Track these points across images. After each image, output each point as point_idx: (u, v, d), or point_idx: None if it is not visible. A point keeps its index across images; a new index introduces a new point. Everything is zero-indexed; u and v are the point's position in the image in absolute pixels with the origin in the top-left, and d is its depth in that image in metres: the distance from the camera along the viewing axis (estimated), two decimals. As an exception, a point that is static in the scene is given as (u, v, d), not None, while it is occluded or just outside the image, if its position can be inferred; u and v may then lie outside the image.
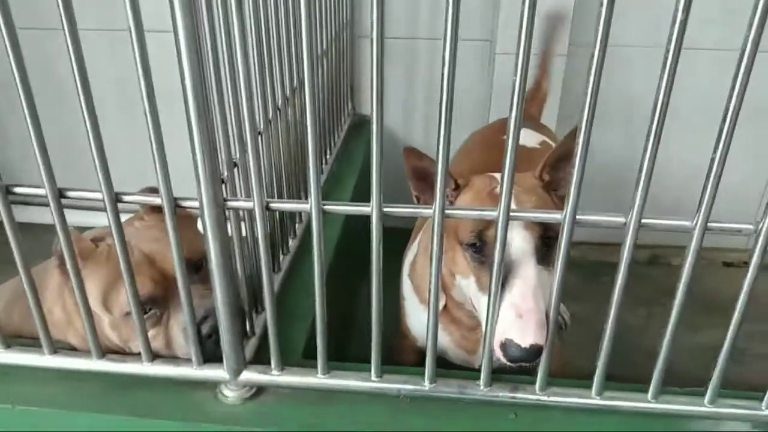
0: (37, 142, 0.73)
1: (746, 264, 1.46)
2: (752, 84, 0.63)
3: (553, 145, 1.42)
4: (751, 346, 1.64)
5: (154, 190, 0.82)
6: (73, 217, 0.82)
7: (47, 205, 0.77)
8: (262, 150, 0.94)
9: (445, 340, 1.09)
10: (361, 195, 1.61)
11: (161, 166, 0.73)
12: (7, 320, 1.07)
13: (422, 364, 0.86)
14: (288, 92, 1.13)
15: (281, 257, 1.16)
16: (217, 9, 0.72)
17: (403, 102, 1.92)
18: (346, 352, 1.31)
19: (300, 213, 1.27)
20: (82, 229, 0.98)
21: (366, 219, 0.75)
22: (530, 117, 1.61)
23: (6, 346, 0.93)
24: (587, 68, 0.65)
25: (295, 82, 1.17)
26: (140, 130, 0.73)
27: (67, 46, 0.66)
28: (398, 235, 1.20)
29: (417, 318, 1.14)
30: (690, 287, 0.76)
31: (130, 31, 0.65)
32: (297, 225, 1.26)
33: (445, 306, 1.06)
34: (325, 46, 1.47)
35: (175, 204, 0.76)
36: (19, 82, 0.69)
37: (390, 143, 1.98)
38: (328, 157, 1.60)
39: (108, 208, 0.76)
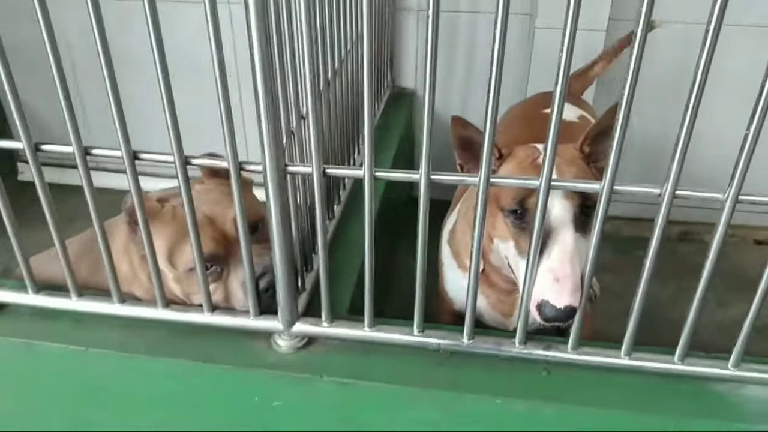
0: (115, 109, 0.80)
1: None
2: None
3: (591, 119, 1.45)
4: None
5: (214, 156, 0.88)
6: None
7: (122, 170, 0.85)
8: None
9: (481, 302, 1.16)
10: (401, 164, 1.68)
11: (229, 133, 0.79)
12: (91, 270, 1.16)
13: (458, 326, 0.92)
14: (336, 65, 1.19)
15: (327, 221, 1.23)
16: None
17: (443, 75, 1.96)
18: (384, 310, 1.38)
19: (343, 180, 1.33)
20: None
21: (404, 187, 0.80)
22: (571, 92, 1.64)
23: (79, 295, 1.01)
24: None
25: (342, 54, 1.22)
26: (203, 99, 0.79)
27: (147, 19, 0.72)
28: (433, 206, 1.25)
29: (455, 282, 1.20)
30: (719, 263, 0.81)
31: (205, 6, 0.71)
32: (341, 192, 1.33)
33: (483, 270, 1.12)
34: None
35: (240, 168, 0.83)
36: (101, 51, 0.76)
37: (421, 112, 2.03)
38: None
39: (178, 170, 0.83)
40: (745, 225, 2.06)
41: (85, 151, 0.86)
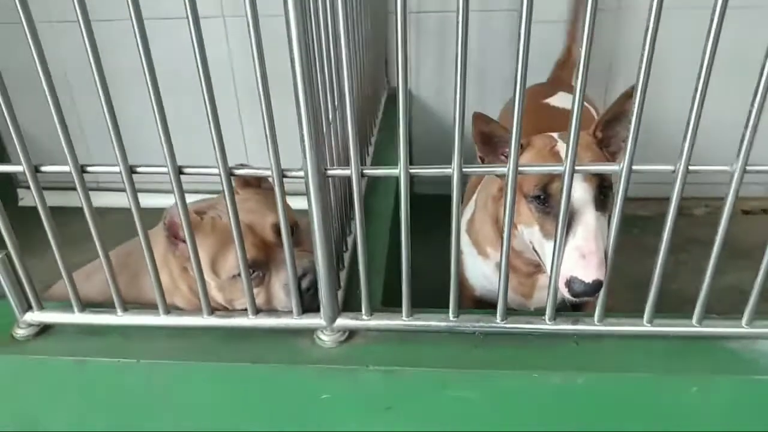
0: (162, 127, 0.85)
1: (765, 212, 1.54)
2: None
3: (588, 105, 1.53)
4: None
5: (241, 167, 0.93)
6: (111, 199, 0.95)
7: (168, 189, 0.89)
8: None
9: (503, 287, 1.22)
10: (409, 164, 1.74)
11: (272, 144, 0.85)
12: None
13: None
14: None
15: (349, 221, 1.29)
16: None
17: (437, 74, 2.02)
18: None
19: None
20: (152, 209, 1.11)
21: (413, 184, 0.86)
22: (564, 82, 1.72)
23: (124, 310, 1.06)
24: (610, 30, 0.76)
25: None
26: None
27: (192, 37, 0.78)
28: (440, 201, 1.31)
29: (475, 269, 1.26)
30: (712, 233, 0.88)
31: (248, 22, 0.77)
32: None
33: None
34: (369, 25, 1.58)
35: (282, 175, 0.88)
36: (147, 69, 0.81)
37: (424, 114, 2.10)
38: (373, 129, 1.72)
39: (224, 181, 0.89)
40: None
41: (131, 170, 0.90)
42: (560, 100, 1.54)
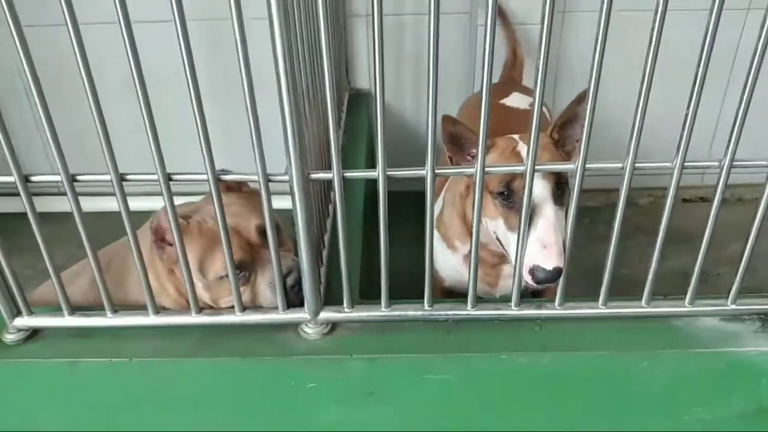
0: (152, 136, 0.90)
1: (702, 199, 1.67)
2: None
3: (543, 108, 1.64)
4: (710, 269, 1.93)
5: (224, 172, 0.99)
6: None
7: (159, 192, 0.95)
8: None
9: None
10: (370, 161, 1.82)
11: (258, 151, 0.91)
12: (94, 292, 1.24)
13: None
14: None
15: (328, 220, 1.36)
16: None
17: (395, 75, 2.10)
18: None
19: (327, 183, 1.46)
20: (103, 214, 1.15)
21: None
22: (515, 81, 1.83)
23: (113, 312, 1.10)
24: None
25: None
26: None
27: (179, 43, 0.83)
28: (409, 197, 1.38)
29: (445, 261, 1.35)
30: (653, 221, 0.99)
31: (234, 33, 0.83)
32: (331, 193, 1.45)
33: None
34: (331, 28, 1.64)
35: (268, 179, 0.95)
36: (137, 80, 0.86)
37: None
38: (339, 131, 1.79)
39: (212, 186, 0.94)
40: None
41: (121, 177, 0.95)
42: (515, 100, 1.65)
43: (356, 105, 2.06)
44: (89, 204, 1.06)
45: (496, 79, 1.96)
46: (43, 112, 0.89)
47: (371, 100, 2.14)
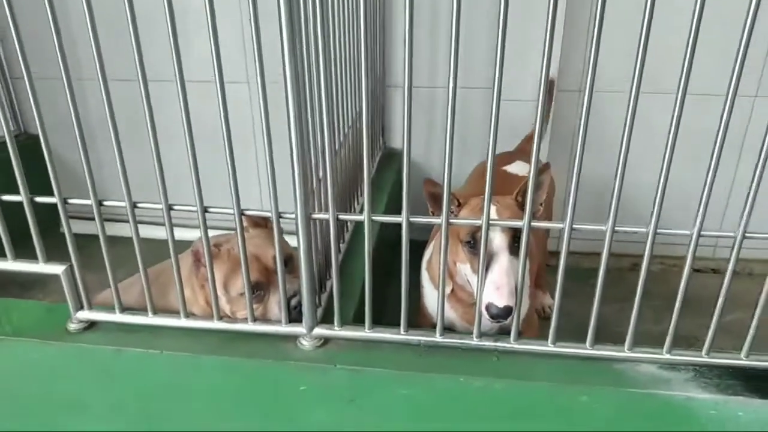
0: (194, 175, 1.19)
1: (714, 271, 1.84)
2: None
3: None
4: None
5: (248, 210, 1.26)
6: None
7: (196, 225, 1.23)
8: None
9: (452, 315, 1.53)
10: (393, 210, 2.07)
11: (273, 193, 1.18)
12: (143, 299, 1.53)
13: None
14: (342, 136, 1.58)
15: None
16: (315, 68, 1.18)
17: (425, 137, 2.37)
18: (382, 320, 1.74)
19: (346, 224, 1.72)
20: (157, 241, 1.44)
21: (395, 228, 1.18)
22: (525, 152, 2.06)
23: (154, 313, 1.38)
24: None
25: (349, 122, 1.62)
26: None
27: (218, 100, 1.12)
28: (415, 244, 1.61)
29: (432, 299, 1.57)
30: (661, 287, 1.16)
31: (258, 95, 1.10)
32: (346, 233, 1.71)
33: (452, 290, 1.50)
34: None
35: (279, 216, 1.21)
36: (187, 132, 1.15)
37: (415, 170, 2.44)
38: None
39: (236, 218, 1.21)
40: (683, 256, 2.46)
41: (170, 207, 1.24)
42: (516, 167, 1.88)
43: (388, 162, 2.33)
44: (147, 231, 1.36)
45: (512, 148, 2.19)
46: (117, 152, 1.20)
47: (402, 157, 2.41)
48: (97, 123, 2.31)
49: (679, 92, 1.02)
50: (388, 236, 1.94)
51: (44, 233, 1.35)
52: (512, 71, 2.09)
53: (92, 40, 1.10)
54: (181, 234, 1.51)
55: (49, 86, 1.23)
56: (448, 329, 1.29)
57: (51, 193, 1.29)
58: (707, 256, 2.56)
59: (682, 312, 1.55)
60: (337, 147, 1.51)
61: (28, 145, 2.60)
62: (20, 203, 1.30)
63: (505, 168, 1.88)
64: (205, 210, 1.22)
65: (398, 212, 1.17)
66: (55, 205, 1.30)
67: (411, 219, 1.18)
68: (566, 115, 2.32)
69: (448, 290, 1.54)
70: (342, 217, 1.22)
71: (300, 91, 1.11)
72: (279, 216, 1.21)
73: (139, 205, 1.26)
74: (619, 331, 2.01)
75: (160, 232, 1.40)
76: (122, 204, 1.25)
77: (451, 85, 1.06)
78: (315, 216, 1.22)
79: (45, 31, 1.09)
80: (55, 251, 1.37)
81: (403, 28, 1.03)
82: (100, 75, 1.13)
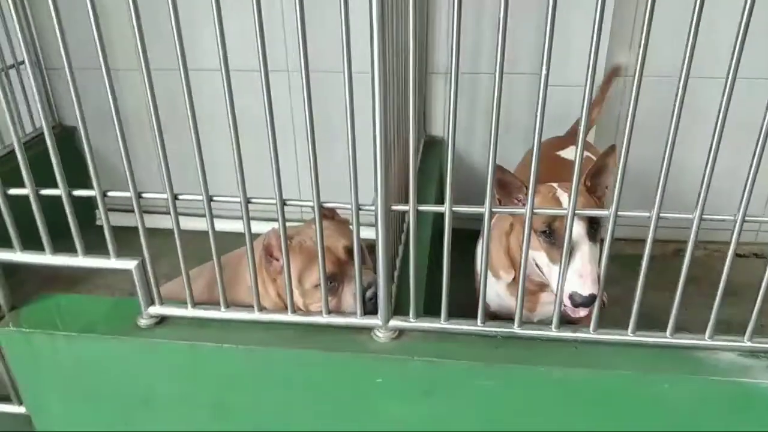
0: (275, 168, 1.17)
1: (756, 256, 1.82)
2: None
3: (593, 157, 1.84)
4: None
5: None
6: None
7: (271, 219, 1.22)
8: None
9: (512, 302, 1.53)
10: (439, 198, 2.06)
11: (354, 186, 1.17)
12: (207, 292, 1.53)
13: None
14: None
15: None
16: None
17: (467, 125, 2.36)
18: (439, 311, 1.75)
19: (403, 214, 1.71)
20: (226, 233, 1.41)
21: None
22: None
23: (227, 307, 1.37)
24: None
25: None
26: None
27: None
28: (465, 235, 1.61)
29: (490, 288, 1.56)
30: (710, 274, 1.16)
31: (344, 78, 1.09)
32: (404, 224, 1.71)
33: (514, 278, 1.49)
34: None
35: (359, 208, 1.20)
36: (269, 124, 1.14)
37: (456, 159, 2.42)
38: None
39: (316, 214, 1.20)
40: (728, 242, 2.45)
41: (248, 200, 1.23)
42: (570, 152, 1.86)
43: (430, 149, 2.32)
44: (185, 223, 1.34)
45: (562, 133, 2.17)
46: (160, 144, 1.18)
47: (444, 146, 2.39)
48: (132, 114, 2.33)
49: (728, 77, 1.01)
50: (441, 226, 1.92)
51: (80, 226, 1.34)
52: (558, 55, 2.06)
53: (136, 29, 1.07)
54: (222, 225, 1.47)
55: (82, 77, 1.21)
56: (508, 318, 1.29)
57: (84, 186, 1.28)
58: (750, 240, 2.55)
59: (727, 300, 1.55)
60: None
61: (64, 138, 2.60)
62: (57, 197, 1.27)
63: (559, 153, 1.87)
64: (284, 203, 1.21)
65: (440, 200, 1.16)
66: (87, 198, 1.29)
67: (494, 209, 1.17)
68: (610, 100, 2.30)
69: (508, 278, 1.53)
70: (421, 208, 1.21)
71: (386, 83, 1.09)
72: (359, 208, 1.20)
73: (212, 199, 1.25)
74: (666, 320, 2.02)
75: (196, 224, 1.38)
76: (163, 196, 1.24)
77: (497, 72, 1.05)
78: (395, 207, 1.21)
79: (78, 20, 1.06)
80: (91, 244, 1.36)
81: (448, 12, 1.01)
82: (143, 64, 1.10)
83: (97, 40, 1.10)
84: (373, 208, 1.19)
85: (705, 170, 1.10)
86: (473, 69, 2.27)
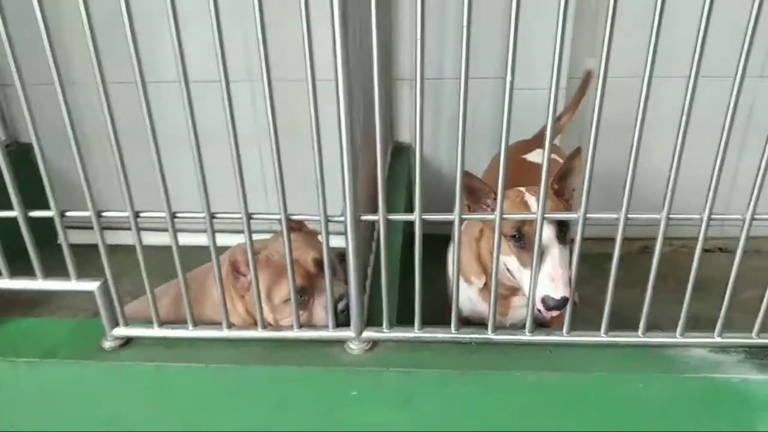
0: (239, 180, 1.15)
1: (721, 250, 1.82)
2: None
3: (560, 160, 1.85)
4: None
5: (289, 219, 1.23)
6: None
7: (240, 230, 1.19)
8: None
9: (484, 307, 1.52)
10: (408, 206, 2.05)
11: (321, 197, 1.14)
12: (176, 309, 1.49)
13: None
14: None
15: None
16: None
17: (432, 131, 2.35)
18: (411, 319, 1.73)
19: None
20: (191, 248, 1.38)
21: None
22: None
23: (194, 325, 1.33)
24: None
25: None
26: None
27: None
28: (435, 240, 1.59)
29: (462, 294, 1.55)
30: (678, 270, 1.17)
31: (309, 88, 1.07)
32: (374, 233, 1.69)
33: (485, 283, 1.49)
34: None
35: (327, 220, 1.18)
36: (232, 137, 1.11)
37: (423, 164, 2.42)
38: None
39: (283, 225, 1.18)
40: (693, 237, 2.49)
41: (212, 215, 1.20)
42: (536, 156, 1.87)
43: (398, 155, 2.31)
44: (148, 239, 1.30)
45: (529, 136, 2.18)
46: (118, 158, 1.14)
47: (411, 152, 2.39)
48: (91, 129, 2.27)
49: (691, 77, 1.03)
50: (412, 231, 1.90)
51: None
52: (522, 58, 2.07)
53: (90, 41, 1.04)
54: (186, 240, 1.42)
55: (37, 92, 1.17)
56: (480, 323, 1.28)
57: (45, 205, 1.23)
58: (716, 235, 2.59)
59: (695, 295, 1.57)
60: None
61: (20, 155, 2.52)
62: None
63: (524, 157, 1.87)
64: (250, 216, 1.19)
65: (409, 207, 1.15)
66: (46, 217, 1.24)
67: (464, 216, 1.16)
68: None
69: (479, 284, 1.52)
70: (391, 217, 1.19)
71: (351, 90, 1.07)
72: (327, 219, 1.18)
73: (142, 214, 1.21)
74: (637, 318, 2.04)
75: (160, 239, 1.33)
76: (125, 214, 1.20)
77: (462, 76, 1.05)
78: (364, 217, 1.19)
79: (34, 33, 1.03)
80: (54, 262, 1.31)
81: (411, 18, 1.00)
82: (99, 78, 1.07)
83: (49, 54, 1.06)
84: (342, 218, 1.17)
85: (670, 171, 1.10)
86: (437, 74, 2.27)
